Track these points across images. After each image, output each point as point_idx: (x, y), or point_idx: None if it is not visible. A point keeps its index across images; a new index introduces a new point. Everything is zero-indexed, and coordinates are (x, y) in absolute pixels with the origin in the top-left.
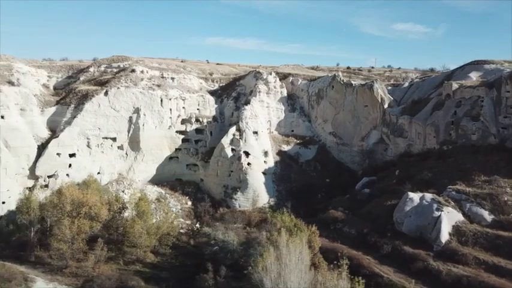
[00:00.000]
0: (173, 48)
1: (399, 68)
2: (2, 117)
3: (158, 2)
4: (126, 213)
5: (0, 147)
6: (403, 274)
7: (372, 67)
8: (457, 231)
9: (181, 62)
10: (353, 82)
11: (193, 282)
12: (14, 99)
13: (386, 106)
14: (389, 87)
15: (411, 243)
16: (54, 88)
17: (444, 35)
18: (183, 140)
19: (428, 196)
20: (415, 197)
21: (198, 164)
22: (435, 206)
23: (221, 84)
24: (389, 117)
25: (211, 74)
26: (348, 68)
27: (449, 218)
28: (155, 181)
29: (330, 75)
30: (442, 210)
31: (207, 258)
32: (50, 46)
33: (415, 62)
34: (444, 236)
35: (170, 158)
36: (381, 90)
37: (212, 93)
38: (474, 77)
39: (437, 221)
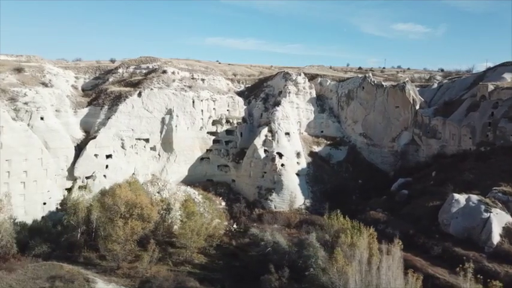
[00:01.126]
0: (173, 48)
1: (408, 69)
2: (42, 118)
3: (158, 2)
4: (171, 214)
5: (41, 148)
6: (458, 275)
7: (383, 67)
8: (507, 232)
9: (197, 61)
10: (384, 83)
11: (247, 283)
12: (49, 100)
13: (417, 107)
14: (418, 89)
15: (460, 244)
16: (82, 89)
17: (444, 35)
18: (214, 141)
19: (475, 198)
20: (460, 198)
21: (229, 165)
22: (483, 207)
23: (247, 85)
24: (421, 118)
25: (235, 75)
26: (360, 68)
27: (499, 220)
28: (187, 182)
29: (359, 76)
30: (490, 212)
31: (257, 259)
32: (49, 46)
33: (415, 62)
34: (495, 238)
35: (201, 158)
36: (413, 91)
37: (239, 94)
38: (508, 78)
39: (487, 222)
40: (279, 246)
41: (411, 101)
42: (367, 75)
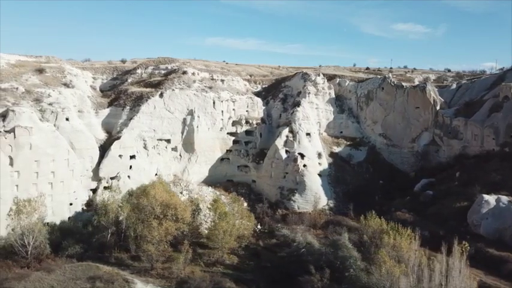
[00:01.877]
0: (173, 48)
1: (415, 69)
2: (67, 119)
3: (158, 2)
4: (200, 215)
5: (68, 149)
6: (494, 276)
7: (391, 68)
8: None
9: (204, 61)
10: (404, 84)
11: (281, 284)
12: (72, 101)
13: (438, 108)
14: (435, 89)
15: (492, 245)
16: (101, 90)
17: (444, 35)
18: (234, 142)
19: (505, 198)
20: (490, 199)
21: (250, 165)
22: None
23: (263, 86)
24: (442, 118)
25: (251, 76)
26: (367, 68)
27: None
28: (207, 182)
29: (379, 76)
30: None
31: (289, 260)
32: (49, 46)
33: (415, 62)
34: None
35: (221, 159)
36: (433, 92)
37: (256, 94)
38: None
39: None
40: (312, 247)
41: (432, 102)
42: (386, 75)
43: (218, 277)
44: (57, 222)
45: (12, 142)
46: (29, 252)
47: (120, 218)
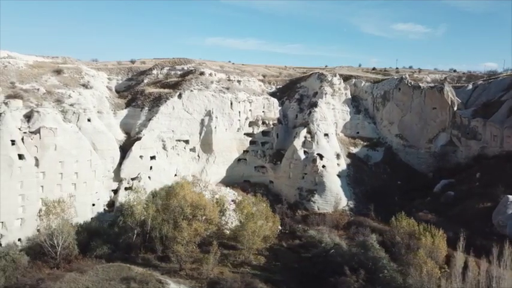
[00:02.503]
0: (173, 48)
1: (419, 69)
2: (89, 120)
3: (158, 2)
4: (225, 215)
5: (90, 149)
6: None
7: (397, 68)
8: None
9: (226, 63)
10: (421, 84)
11: (312, 284)
12: (91, 102)
13: (455, 108)
14: (453, 90)
15: None
16: (116, 90)
17: (444, 35)
18: (250, 142)
19: None
20: None
21: (267, 166)
22: None
23: (278, 86)
24: (460, 119)
25: (264, 76)
26: (374, 69)
27: None
28: (225, 183)
29: (395, 77)
30: None
31: (317, 260)
32: (48, 46)
33: (416, 62)
34: None
35: (238, 159)
36: (451, 93)
37: (271, 95)
38: None
39: None
40: (341, 247)
41: (449, 102)
42: (403, 76)
43: (248, 278)
44: (81, 223)
45: (37, 143)
46: (58, 253)
47: (143, 218)
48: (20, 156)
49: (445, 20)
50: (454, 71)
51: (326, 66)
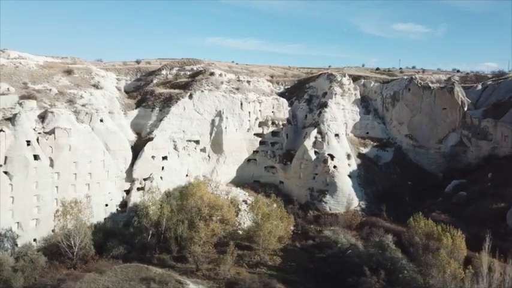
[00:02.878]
0: (173, 48)
1: (423, 69)
2: (101, 120)
3: (158, 2)
4: (239, 215)
5: (103, 150)
6: None
7: (400, 68)
8: None
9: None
10: (431, 85)
11: (330, 284)
12: (102, 102)
13: (466, 109)
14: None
15: None
16: (125, 91)
17: (444, 35)
18: (260, 143)
19: None
20: None
21: (277, 166)
22: None
23: (286, 87)
24: (470, 119)
25: (272, 76)
26: (377, 69)
27: None
28: (235, 183)
29: (405, 77)
30: None
31: (333, 261)
32: (46, 46)
33: (416, 62)
34: None
35: (248, 160)
36: (461, 93)
37: (280, 95)
38: None
39: None
40: (357, 248)
41: (459, 103)
42: (413, 76)
43: (266, 278)
44: (95, 223)
45: (52, 143)
46: (75, 253)
47: (157, 219)
48: (35, 157)
49: (445, 20)
50: (458, 71)
51: (330, 66)
